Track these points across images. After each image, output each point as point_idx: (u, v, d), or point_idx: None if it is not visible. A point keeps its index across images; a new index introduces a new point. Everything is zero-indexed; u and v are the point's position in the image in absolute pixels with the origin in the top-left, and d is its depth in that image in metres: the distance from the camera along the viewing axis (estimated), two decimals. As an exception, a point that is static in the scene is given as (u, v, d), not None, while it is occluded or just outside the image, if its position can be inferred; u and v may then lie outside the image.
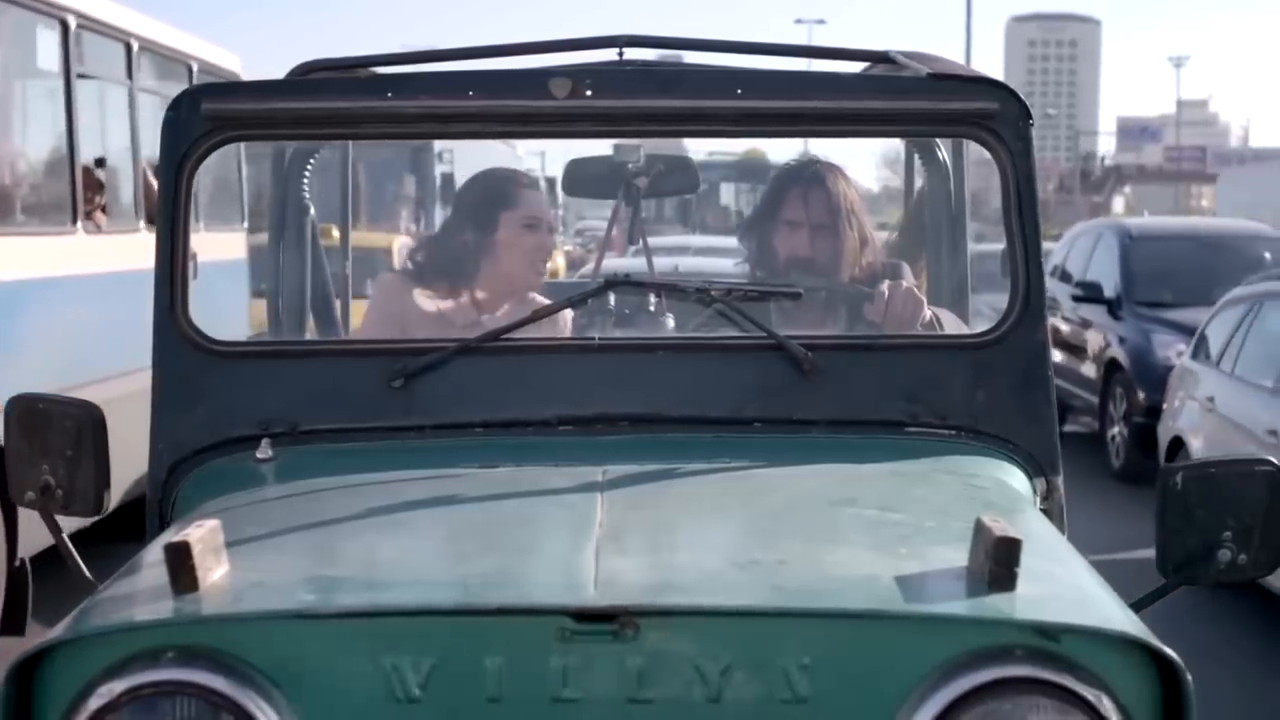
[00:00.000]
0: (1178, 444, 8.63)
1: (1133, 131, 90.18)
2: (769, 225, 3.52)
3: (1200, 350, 8.97)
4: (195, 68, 9.37)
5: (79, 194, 7.36)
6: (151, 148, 8.65)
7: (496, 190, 3.64)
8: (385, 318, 3.51)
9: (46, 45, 7.29)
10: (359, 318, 3.81)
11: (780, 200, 3.51)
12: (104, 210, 7.91)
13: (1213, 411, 8.23)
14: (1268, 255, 12.09)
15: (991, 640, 2.11)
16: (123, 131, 8.47)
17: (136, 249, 8.15)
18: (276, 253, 3.63)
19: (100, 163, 8.10)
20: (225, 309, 9.14)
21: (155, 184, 8.52)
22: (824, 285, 3.36)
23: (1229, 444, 7.77)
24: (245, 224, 10.33)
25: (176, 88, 9.19)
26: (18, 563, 6.68)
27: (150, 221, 8.44)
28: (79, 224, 7.42)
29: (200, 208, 9.16)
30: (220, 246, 9.32)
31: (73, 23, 7.31)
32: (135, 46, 8.33)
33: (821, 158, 3.59)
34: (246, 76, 9.86)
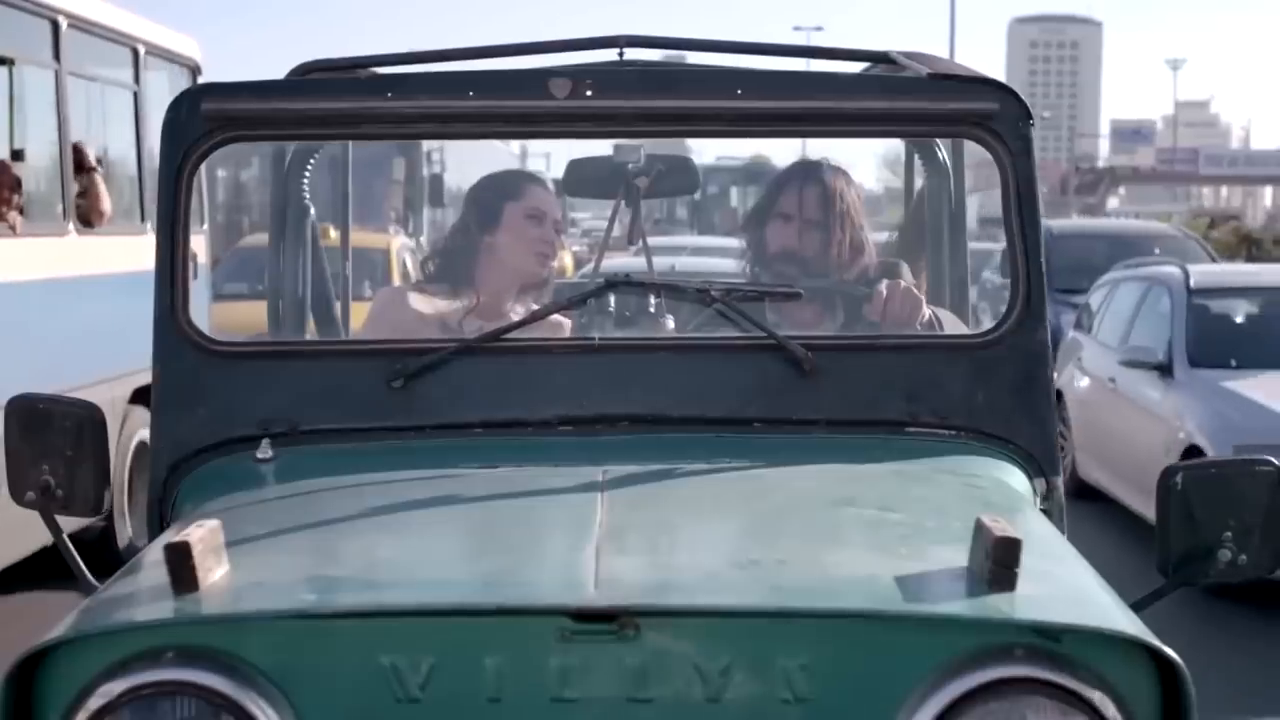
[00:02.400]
0: (1059, 396, 10.35)
1: (1125, 133, 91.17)
2: (765, 219, 3.52)
3: (1081, 322, 11.28)
4: (142, 50, 8.54)
5: None
6: (85, 138, 7.87)
7: (503, 184, 3.64)
8: (385, 327, 3.50)
9: None
10: (359, 318, 3.80)
11: (778, 194, 3.51)
12: (21, 211, 7.06)
13: (1082, 369, 10.47)
14: (1157, 250, 14.70)
15: (992, 640, 2.11)
16: (48, 122, 7.59)
17: (65, 255, 7.48)
18: (277, 253, 3.63)
19: (17, 156, 7.27)
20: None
21: (101, 184, 7.67)
22: (823, 285, 3.36)
23: (1088, 393, 10.27)
24: (205, 226, 9.60)
25: (118, 73, 8.36)
26: None
27: (86, 224, 7.72)
28: None
29: (147, 205, 8.28)
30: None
31: None
32: (63, 24, 7.46)
33: (830, 160, 3.59)
34: (244, 78, 9.42)
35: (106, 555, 7.14)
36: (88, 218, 7.77)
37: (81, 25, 7.69)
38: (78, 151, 7.68)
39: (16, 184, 7.06)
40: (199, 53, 9.54)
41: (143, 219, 8.47)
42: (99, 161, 7.97)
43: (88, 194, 7.73)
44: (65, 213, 7.59)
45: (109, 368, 7.45)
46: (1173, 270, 9.82)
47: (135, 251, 8.05)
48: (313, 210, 3.57)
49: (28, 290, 7.06)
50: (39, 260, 7.23)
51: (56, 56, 7.46)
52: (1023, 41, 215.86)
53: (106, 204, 7.88)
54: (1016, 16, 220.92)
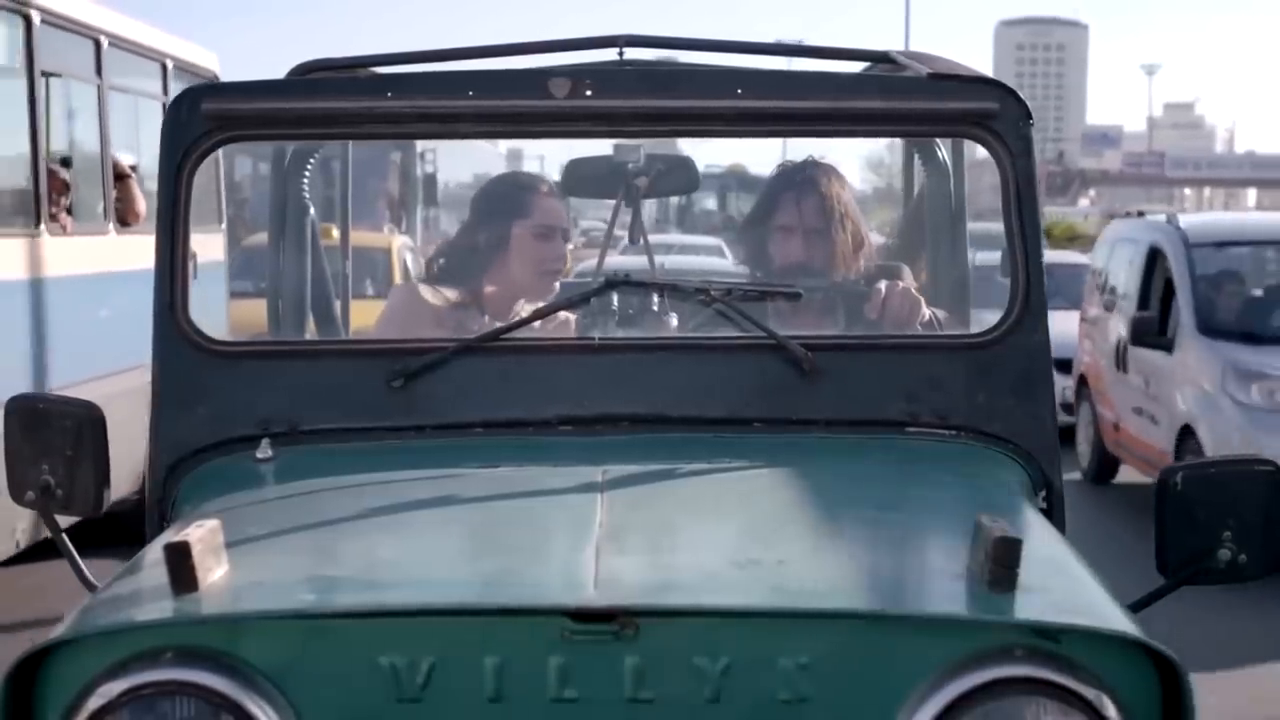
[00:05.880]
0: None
1: (1094, 137, 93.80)
2: (763, 231, 3.50)
3: None
4: (170, 65, 9.23)
5: (42, 194, 7.34)
6: (121, 145, 8.65)
7: (510, 199, 3.60)
8: (398, 325, 3.49)
9: (10, 40, 7.23)
10: (359, 317, 3.79)
11: (774, 205, 3.50)
12: (70, 212, 7.82)
13: None
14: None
15: (991, 640, 2.11)
16: (92, 131, 8.32)
17: (107, 252, 8.18)
18: (277, 253, 3.62)
19: (65, 163, 7.97)
20: (204, 310, 8.92)
21: (135, 187, 8.42)
22: (822, 285, 3.35)
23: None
24: (223, 225, 10.20)
25: (149, 85, 9.07)
26: None
27: (123, 224, 8.36)
28: (43, 225, 7.36)
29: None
30: (197, 248, 9.13)
31: (36, 18, 7.24)
32: (104, 43, 8.18)
33: (817, 158, 3.58)
34: (236, 78, 9.82)
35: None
36: (124, 218, 8.40)
37: (120, 43, 8.41)
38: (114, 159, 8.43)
39: (65, 188, 7.75)
40: (218, 65, 10.23)
41: None
42: (133, 167, 8.67)
43: (122, 197, 8.41)
44: (106, 213, 8.28)
45: (148, 355, 7.88)
46: None
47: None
48: (312, 210, 3.56)
49: (78, 283, 7.78)
50: (86, 256, 7.93)
51: (99, 72, 8.16)
52: (1009, 44, 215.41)
53: (141, 205, 8.52)
54: (1003, 19, 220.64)
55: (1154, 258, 9.97)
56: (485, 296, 3.48)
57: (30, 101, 7.21)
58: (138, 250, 8.31)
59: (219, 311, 9.52)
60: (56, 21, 7.51)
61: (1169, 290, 9.58)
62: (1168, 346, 9.38)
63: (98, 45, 8.09)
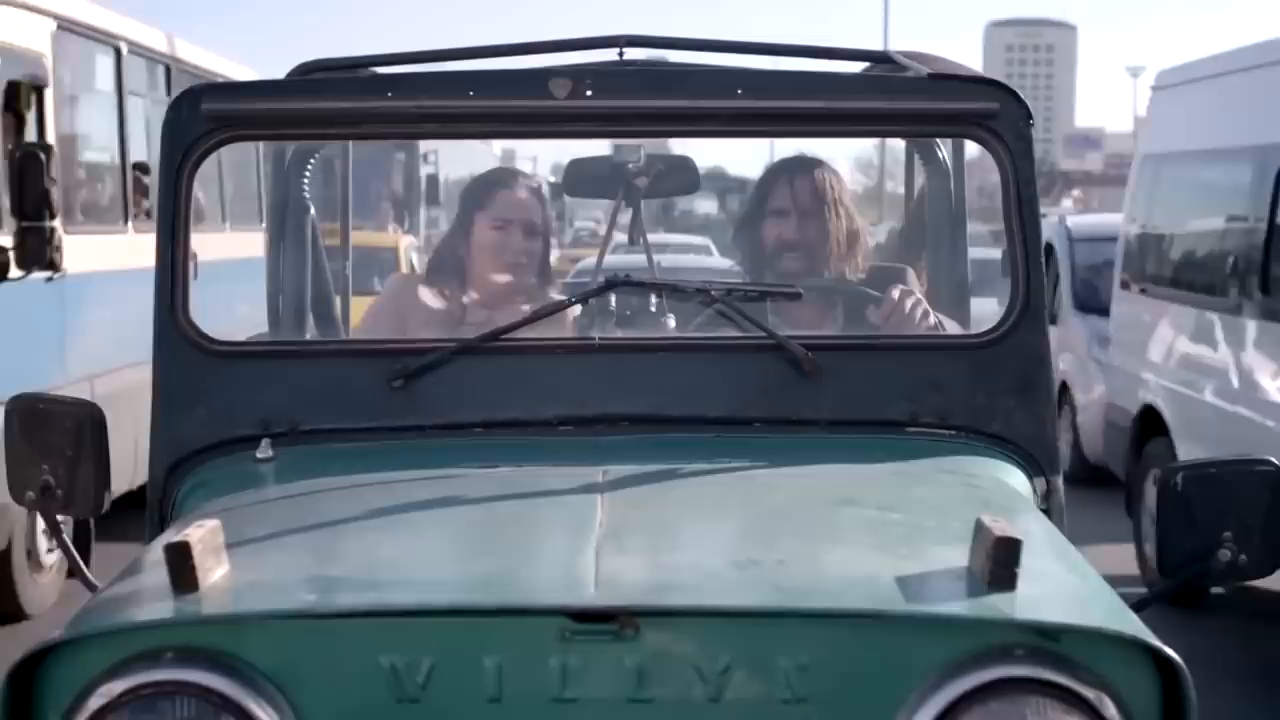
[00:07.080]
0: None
1: (1077, 140, 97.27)
2: (757, 219, 3.51)
3: None
4: None
5: (129, 196, 8.71)
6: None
7: (476, 190, 3.59)
8: (387, 317, 3.50)
9: (106, 69, 8.68)
10: (359, 317, 3.78)
11: (767, 193, 3.50)
12: (148, 213, 8.83)
13: None
14: None
15: (992, 640, 2.12)
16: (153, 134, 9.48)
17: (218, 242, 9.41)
18: (277, 252, 3.63)
19: (142, 168, 9.02)
20: (247, 304, 9.75)
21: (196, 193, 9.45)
22: (824, 285, 3.35)
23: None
24: (264, 223, 10.87)
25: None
26: None
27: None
28: (129, 224, 8.59)
29: (226, 207, 10.41)
30: (242, 245, 10.26)
31: (124, 49, 8.67)
32: (174, 68, 9.55)
33: (806, 153, 3.59)
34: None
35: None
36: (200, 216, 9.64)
37: (185, 68, 9.84)
38: None
39: (145, 192, 8.94)
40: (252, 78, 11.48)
41: (223, 219, 10.54)
42: None
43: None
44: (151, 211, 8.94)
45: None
46: None
47: (215, 244, 9.76)
48: (312, 209, 3.57)
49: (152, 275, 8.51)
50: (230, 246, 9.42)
51: (168, 92, 9.41)
52: (999, 45, 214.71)
53: (202, 207, 9.60)
54: (993, 20, 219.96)
55: (1048, 250, 11.69)
56: (468, 291, 3.47)
57: (119, 119, 8.63)
58: (197, 245, 9.46)
59: (261, 305, 10.01)
60: (139, 50, 9.03)
61: (1057, 276, 11.57)
62: (1054, 320, 10.95)
63: (168, 70, 9.58)
